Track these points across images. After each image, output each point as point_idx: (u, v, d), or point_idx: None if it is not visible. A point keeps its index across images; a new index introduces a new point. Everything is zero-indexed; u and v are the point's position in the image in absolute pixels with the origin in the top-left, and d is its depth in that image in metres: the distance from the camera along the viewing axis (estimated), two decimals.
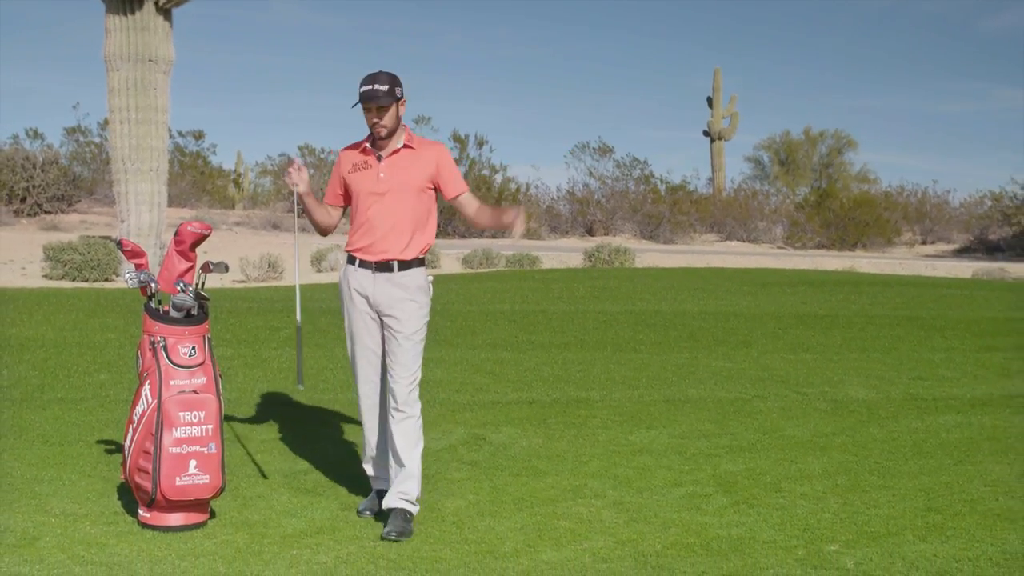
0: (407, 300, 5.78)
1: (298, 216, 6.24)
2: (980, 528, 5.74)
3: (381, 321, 5.85)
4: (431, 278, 5.96)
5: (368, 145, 5.86)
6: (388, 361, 5.82)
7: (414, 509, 5.70)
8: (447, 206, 33.67)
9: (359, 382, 5.97)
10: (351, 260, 5.90)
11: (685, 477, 6.76)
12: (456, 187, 5.90)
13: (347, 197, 5.94)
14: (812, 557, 5.28)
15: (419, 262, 5.88)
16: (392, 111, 5.71)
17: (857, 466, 7.06)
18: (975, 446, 7.64)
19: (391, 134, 5.76)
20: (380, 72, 5.71)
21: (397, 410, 5.75)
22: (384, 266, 5.78)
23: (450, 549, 5.38)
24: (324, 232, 6.10)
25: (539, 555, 5.30)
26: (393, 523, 5.56)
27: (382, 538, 5.46)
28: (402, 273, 5.79)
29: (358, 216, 5.85)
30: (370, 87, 5.64)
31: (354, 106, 5.72)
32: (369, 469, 6.11)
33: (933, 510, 6.08)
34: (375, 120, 5.71)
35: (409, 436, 5.75)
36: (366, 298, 5.82)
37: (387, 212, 5.76)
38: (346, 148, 5.99)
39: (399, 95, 5.70)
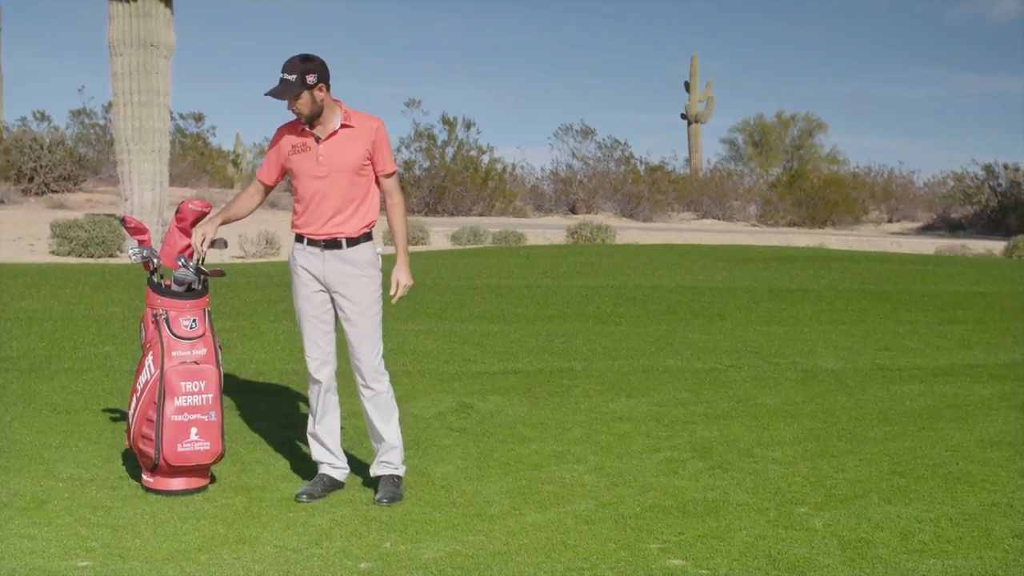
0: (358, 275, 5.55)
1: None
2: (941, 491, 5.77)
3: (332, 299, 5.61)
4: (379, 251, 5.71)
5: (306, 126, 5.52)
6: (349, 340, 5.60)
7: (401, 471, 5.68)
8: (436, 186, 33.35)
9: (309, 358, 5.67)
10: (299, 239, 5.64)
11: (663, 443, 6.77)
12: (385, 165, 5.60)
13: (280, 174, 5.67)
14: (783, 519, 5.30)
15: (367, 237, 5.62)
16: (305, 98, 5.37)
17: (826, 432, 7.08)
18: (937, 414, 7.67)
19: (311, 119, 5.44)
20: (292, 58, 5.40)
21: (366, 387, 5.62)
22: (332, 243, 5.54)
23: (439, 512, 5.38)
24: (246, 215, 5.78)
25: (524, 517, 5.30)
26: (384, 489, 5.54)
27: (374, 503, 5.46)
28: (351, 249, 5.55)
29: (302, 196, 5.58)
30: (279, 80, 5.37)
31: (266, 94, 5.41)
32: (317, 451, 5.77)
33: (897, 474, 6.10)
34: (288, 108, 5.45)
35: (382, 410, 5.64)
36: (316, 277, 5.57)
37: (330, 193, 5.50)
38: (284, 126, 5.63)
39: (310, 83, 5.34)
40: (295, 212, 5.67)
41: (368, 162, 5.56)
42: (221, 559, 4.68)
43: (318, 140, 5.50)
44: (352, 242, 5.56)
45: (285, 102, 5.41)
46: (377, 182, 5.64)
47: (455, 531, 5.08)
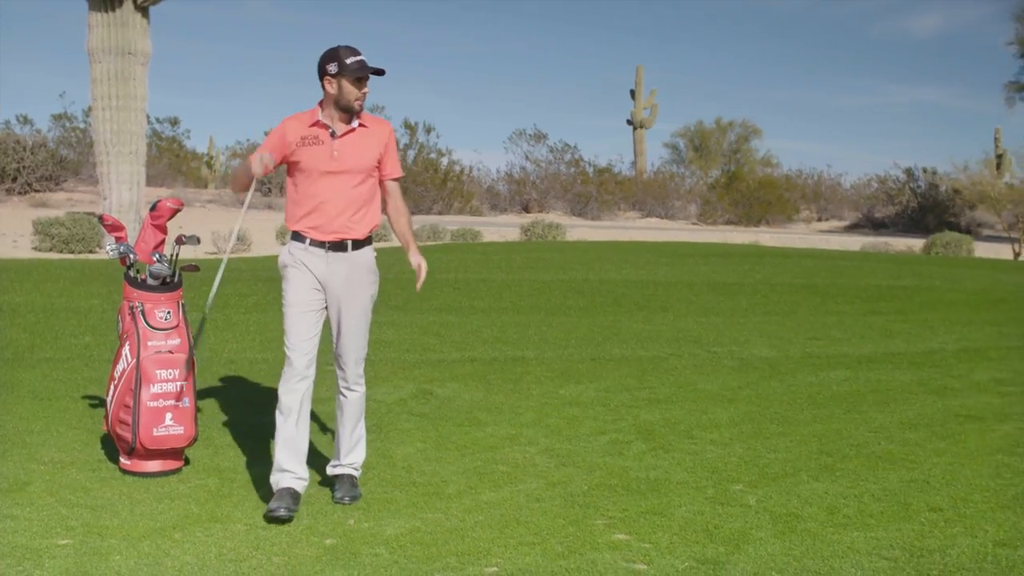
0: (360, 280, 5.14)
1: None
2: (865, 469, 5.83)
3: (326, 301, 5.15)
4: (375, 254, 5.30)
5: (321, 118, 5.09)
6: (340, 342, 5.17)
7: (360, 472, 5.38)
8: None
9: (295, 353, 5.07)
10: (299, 238, 5.12)
11: (609, 426, 6.79)
12: (394, 170, 5.26)
13: (279, 162, 5.13)
14: (720, 495, 5.33)
15: (369, 240, 5.23)
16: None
17: (759, 416, 7.13)
18: (861, 398, 7.74)
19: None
20: (355, 47, 5.05)
21: (349, 389, 5.24)
22: (338, 246, 5.08)
23: (400, 491, 5.37)
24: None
25: (479, 496, 5.30)
26: (345, 489, 5.22)
27: (335, 502, 5.15)
28: (356, 253, 5.13)
29: (304, 192, 5.09)
30: (362, 58, 5.00)
31: (335, 75, 4.98)
32: (286, 463, 5.06)
33: (825, 453, 6.15)
34: (365, 92, 5.05)
35: (358, 409, 5.29)
36: (315, 275, 5.09)
37: (341, 191, 5.05)
38: (292, 118, 5.15)
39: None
40: (293, 207, 5.15)
41: (378, 164, 5.19)
42: (195, 536, 4.65)
43: (333, 135, 5.07)
44: (358, 245, 5.13)
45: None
46: (381, 185, 5.27)
47: (415, 509, 5.07)
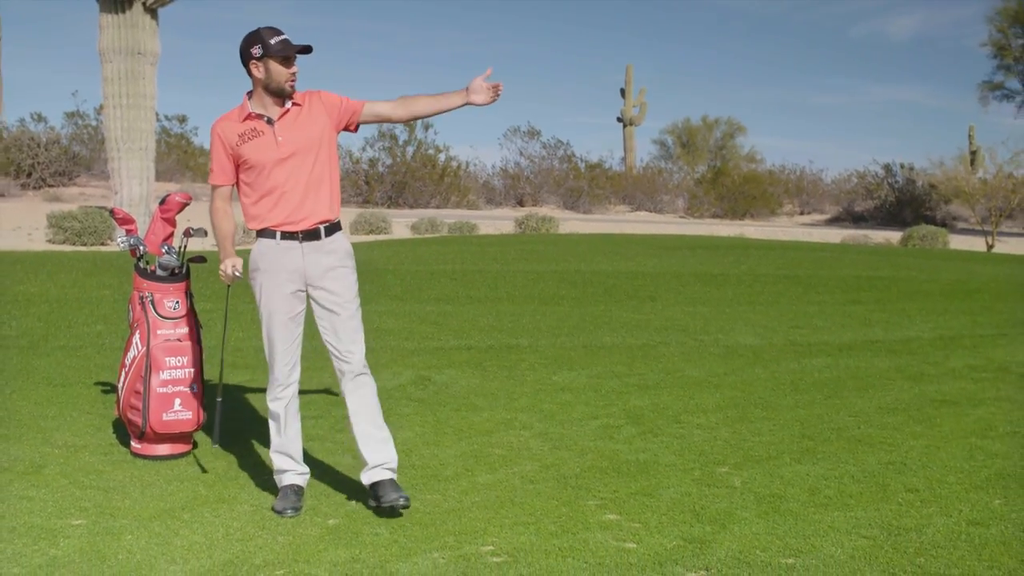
0: (339, 267, 4.72)
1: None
2: (845, 451, 5.83)
3: (308, 297, 4.76)
4: (348, 239, 4.92)
5: (252, 111, 4.66)
6: (336, 334, 4.73)
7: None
8: (397, 181, 32.99)
9: (278, 363, 4.76)
10: (269, 235, 4.68)
11: (600, 411, 6.80)
12: (353, 104, 4.74)
13: (236, 173, 4.74)
14: (706, 477, 5.34)
15: (339, 223, 4.80)
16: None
17: (744, 401, 7.14)
18: (842, 384, 7.75)
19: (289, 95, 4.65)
20: (277, 28, 4.62)
21: (362, 375, 4.78)
22: (311, 234, 4.66)
23: (400, 473, 5.35)
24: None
25: (476, 478, 5.30)
26: (390, 489, 4.69)
27: (386, 505, 4.64)
28: (330, 240, 4.70)
29: (261, 188, 4.66)
30: (285, 37, 4.57)
31: (260, 58, 4.56)
32: (284, 464, 4.87)
33: (807, 437, 6.16)
34: (295, 71, 4.60)
35: (374, 401, 4.84)
36: (293, 274, 4.68)
37: (297, 175, 4.63)
38: (221, 120, 4.71)
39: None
40: (252, 207, 4.73)
41: (331, 135, 4.73)
42: (203, 517, 4.64)
43: (270, 122, 4.64)
44: (330, 229, 4.71)
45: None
46: (358, 126, 4.80)
47: (414, 490, 5.07)
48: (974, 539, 4.43)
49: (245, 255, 4.76)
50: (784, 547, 4.32)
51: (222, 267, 4.69)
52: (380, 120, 4.89)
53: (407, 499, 4.66)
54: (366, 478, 4.78)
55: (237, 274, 4.69)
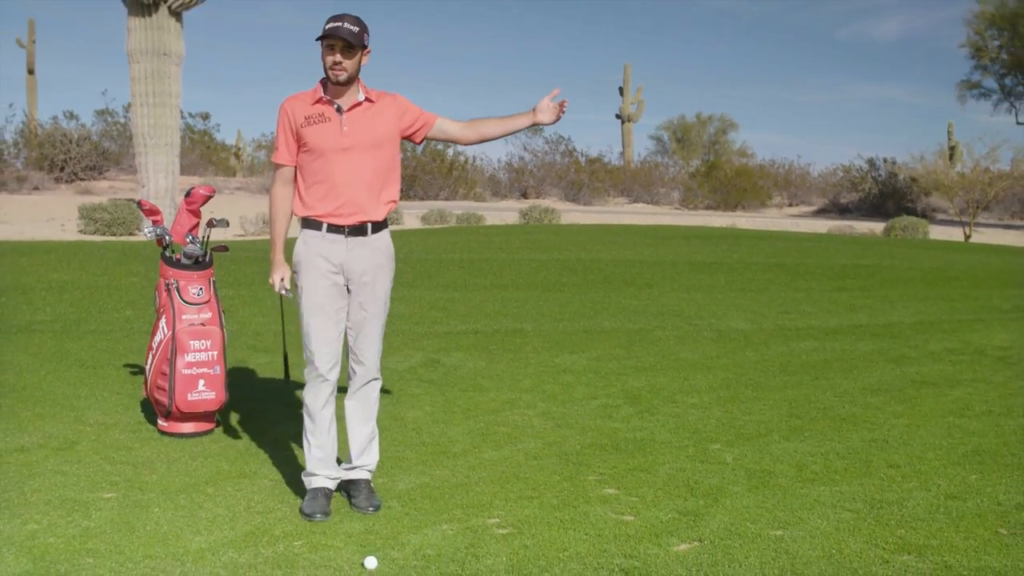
0: (381, 267, 4.45)
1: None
2: (830, 430, 5.83)
3: (348, 291, 4.43)
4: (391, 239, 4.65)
5: (324, 96, 4.31)
6: (360, 333, 4.46)
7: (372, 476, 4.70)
8: (408, 175, 32.88)
9: (318, 357, 4.38)
10: (315, 225, 4.34)
11: (600, 391, 6.80)
12: (427, 116, 4.46)
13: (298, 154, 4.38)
14: (700, 454, 5.34)
15: (386, 223, 4.49)
16: (356, 57, 4.21)
17: (736, 382, 7.13)
18: (828, 366, 7.74)
19: (349, 81, 4.24)
20: (348, 14, 4.21)
21: (367, 382, 4.52)
22: (358, 229, 4.33)
23: (411, 450, 5.38)
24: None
25: (482, 454, 5.31)
26: (364, 495, 4.51)
27: (356, 509, 4.44)
28: (375, 236, 4.39)
29: (316, 175, 4.31)
30: (339, 24, 4.15)
31: (318, 39, 4.20)
32: (317, 467, 4.51)
33: (795, 416, 6.16)
34: (337, 60, 4.17)
35: (373, 404, 4.58)
36: (337, 267, 4.36)
37: (355, 169, 4.29)
38: (290, 99, 4.34)
39: (365, 42, 4.22)
40: (306, 193, 4.37)
41: (395, 140, 4.42)
42: (225, 491, 4.65)
43: (340, 111, 4.29)
44: (377, 227, 4.40)
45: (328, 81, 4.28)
46: (437, 132, 4.52)
47: (424, 466, 5.08)
48: (952, 512, 4.43)
49: (264, 243, 4.74)
50: (773, 519, 4.32)
51: (271, 279, 4.44)
52: (447, 139, 4.60)
53: (377, 507, 4.42)
54: (345, 473, 4.58)
55: (284, 291, 4.42)
